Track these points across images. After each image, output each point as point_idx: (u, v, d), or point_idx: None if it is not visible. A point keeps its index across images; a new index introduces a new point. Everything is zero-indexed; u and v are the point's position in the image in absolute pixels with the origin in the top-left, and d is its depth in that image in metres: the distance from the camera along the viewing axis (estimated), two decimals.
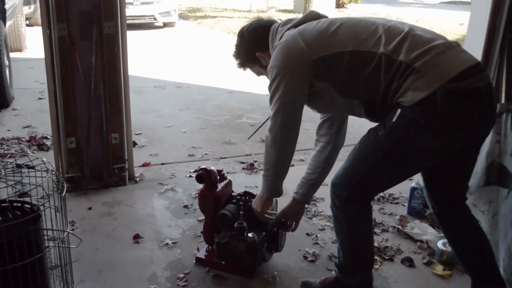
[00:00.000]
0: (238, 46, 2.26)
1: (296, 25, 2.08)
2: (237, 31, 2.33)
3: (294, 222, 2.50)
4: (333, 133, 2.35)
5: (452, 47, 1.85)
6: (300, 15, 2.20)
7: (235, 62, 2.31)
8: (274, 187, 2.23)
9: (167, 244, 2.72)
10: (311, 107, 2.15)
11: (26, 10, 9.65)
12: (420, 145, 1.83)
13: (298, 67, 1.96)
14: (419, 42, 1.83)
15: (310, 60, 1.94)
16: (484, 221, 2.43)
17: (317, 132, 2.40)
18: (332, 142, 2.36)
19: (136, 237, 2.76)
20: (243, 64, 2.28)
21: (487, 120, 1.90)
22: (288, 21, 2.15)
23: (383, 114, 1.91)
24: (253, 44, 2.20)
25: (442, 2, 21.01)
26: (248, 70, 2.33)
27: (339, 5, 16.62)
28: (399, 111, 1.81)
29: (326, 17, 2.12)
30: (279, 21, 2.21)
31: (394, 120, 1.82)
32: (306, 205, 2.61)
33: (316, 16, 2.12)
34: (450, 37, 1.98)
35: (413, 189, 3.03)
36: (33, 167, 1.96)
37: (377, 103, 1.91)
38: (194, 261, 2.56)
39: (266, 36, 2.17)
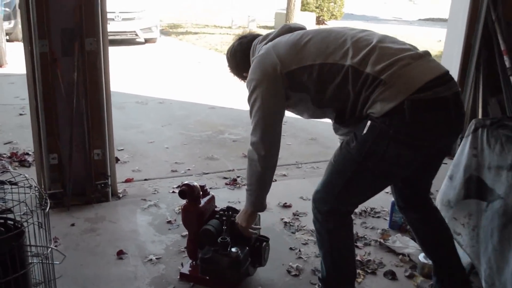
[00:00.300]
0: (229, 67, 2.40)
1: (271, 40, 2.17)
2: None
3: None
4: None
5: (421, 57, 1.91)
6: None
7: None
8: (258, 201, 2.26)
9: (151, 259, 2.72)
10: (290, 111, 2.21)
11: (6, 25, 9.61)
12: (391, 155, 1.89)
13: (273, 80, 2.04)
14: (386, 54, 1.88)
15: (283, 73, 2.01)
16: (465, 233, 2.47)
17: (336, 132, 2.37)
18: None
19: (120, 253, 2.75)
20: (239, 78, 2.39)
21: (455, 127, 1.98)
22: (266, 36, 2.24)
23: (352, 123, 1.99)
24: (237, 67, 2.34)
25: (420, 19, 21.37)
26: None
27: (319, 21, 16.81)
28: (369, 122, 1.86)
29: (301, 28, 2.20)
30: (260, 36, 2.28)
31: (365, 132, 1.88)
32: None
33: (288, 29, 2.20)
34: None
35: (394, 203, 3.07)
36: (15, 183, 1.95)
37: (346, 113, 1.98)
38: (178, 277, 2.55)
39: (247, 57, 2.26)
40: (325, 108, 2.07)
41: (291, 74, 2.00)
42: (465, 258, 2.57)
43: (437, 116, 1.86)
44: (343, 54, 1.92)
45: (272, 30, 2.27)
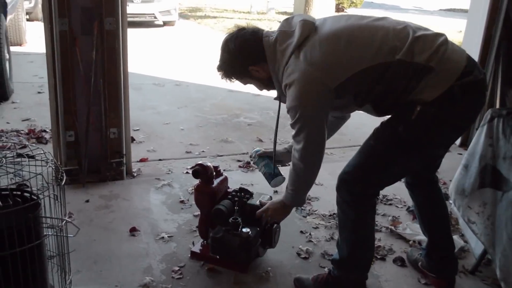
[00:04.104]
0: (226, 61, 2.20)
1: (299, 45, 2.02)
2: None
3: None
4: None
5: (447, 40, 1.99)
6: (295, 27, 2.07)
7: (218, 73, 2.26)
8: (301, 198, 2.31)
9: (163, 237, 2.76)
10: None
11: (27, 4, 9.65)
12: (440, 138, 2.00)
13: (320, 102, 2.01)
14: (427, 42, 1.94)
15: (331, 89, 1.97)
16: (480, 222, 2.47)
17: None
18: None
19: (133, 230, 2.79)
20: (229, 76, 2.23)
21: (482, 108, 2.12)
22: (284, 37, 2.07)
23: (391, 109, 2.03)
24: (245, 59, 2.16)
25: (441, 9, 21.09)
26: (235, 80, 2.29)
27: (338, 9, 16.65)
28: (419, 107, 1.91)
29: (313, 22, 2.08)
30: (267, 33, 2.15)
31: (414, 117, 1.92)
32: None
33: (311, 26, 2.05)
34: None
35: None
36: (33, 157, 1.98)
37: (388, 102, 2.01)
38: (189, 255, 2.59)
39: (256, 49, 2.12)
40: (366, 105, 2.09)
41: (339, 86, 1.97)
42: (478, 249, 2.58)
43: (478, 98, 2.00)
44: (389, 50, 1.92)
45: (287, 19, 2.12)
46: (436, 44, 1.93)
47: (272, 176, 2.48)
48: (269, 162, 2.52)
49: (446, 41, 1.97)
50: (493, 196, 2.38)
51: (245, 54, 2.15)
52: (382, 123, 2.07)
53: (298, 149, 2.09)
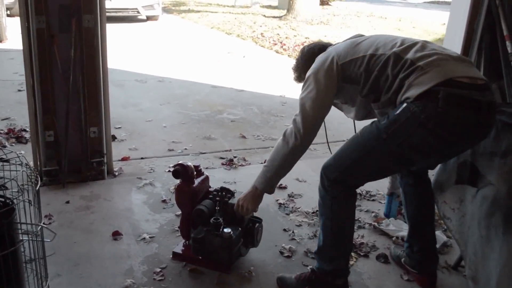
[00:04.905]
0: (298, 61, 2.51)
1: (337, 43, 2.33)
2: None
3: None
4: None
5: (461, 60, 2.01)
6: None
7: (292, 75, 2.54)
8: (272, 181, 2.30)
9: (144, 238, 2.73)
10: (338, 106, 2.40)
11: (7, 0, 9.53)
12: (415, 140, 1.95)
13: (329, 70, 2.17)
14: (428, 48, 2.02)
15: (339, 65, 2.16)
16: (455, 219, 2.47)
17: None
18: None
19: (115, 234, 2.75)
20: (299, 77, 2.49)
21: (480, 134, 2.02)
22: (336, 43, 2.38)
23: (386, 103, 2.06)
24: (306, 64, 2.40)
25: (425, 2, 21.17)
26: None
27: (323, 2, 16.64)
28: (404, 104, 1.94)
29: (362, 35, 2.34)
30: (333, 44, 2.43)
31: (397, 112, 1.95)
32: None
33: (356, 36, 2.34)
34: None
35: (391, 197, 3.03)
36: (7, 161, 1.94)
37: (381, 95, 2.07)
38: (171, 256, 2.56)
39: (315, 56, 2.36)
40: (367, 97, 2.13)
41: (345, 65, 2.15)
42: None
43: (467, 115, 1.91)
44: (391, 47, 2.08)
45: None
46: (435, 51, 1.98)
47: (386, 215, 3.00)
48: (389, 201, 3.00)
49: (451, 57, 1.98)
50: (469, 193, 2.38)
51: (308, 58, 2.42)
52: (373, 121, 2.11)
53: (298, 112, 2.19)
